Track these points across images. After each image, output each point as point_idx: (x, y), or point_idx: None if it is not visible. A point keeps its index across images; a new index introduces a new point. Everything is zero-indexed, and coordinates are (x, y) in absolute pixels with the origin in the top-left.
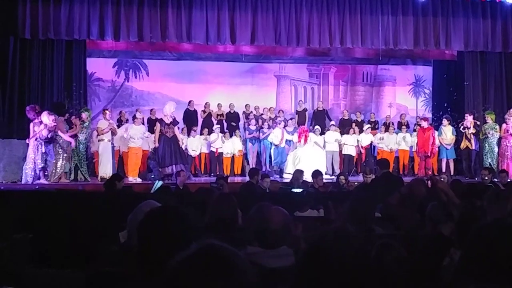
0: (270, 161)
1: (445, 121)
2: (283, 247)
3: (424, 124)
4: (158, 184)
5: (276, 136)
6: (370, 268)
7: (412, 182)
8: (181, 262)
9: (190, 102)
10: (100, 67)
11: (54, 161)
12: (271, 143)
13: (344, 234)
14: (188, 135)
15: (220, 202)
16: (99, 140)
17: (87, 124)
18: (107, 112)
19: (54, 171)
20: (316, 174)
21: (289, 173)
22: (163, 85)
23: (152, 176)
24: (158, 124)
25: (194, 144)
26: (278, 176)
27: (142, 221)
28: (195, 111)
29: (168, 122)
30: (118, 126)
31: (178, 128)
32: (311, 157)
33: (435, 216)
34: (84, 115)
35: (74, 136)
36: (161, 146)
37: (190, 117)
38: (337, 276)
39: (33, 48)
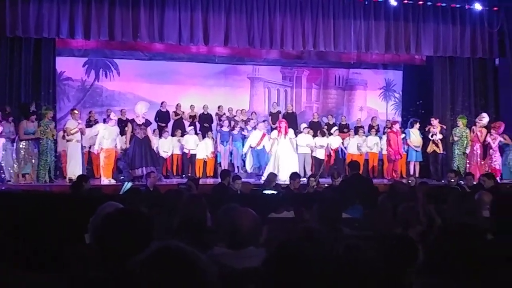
0: (244, 163)
1: (413, 124)
2: (250, 247)
3: (396, 127)
4: (128, 185)
5: (255, 137)
6: (337, 268)
7: (393, 182)
8: (140, 262)
9: (162, 103)
10: (70, 66)
11: (13, 163)
12: (242, 145)
13: (311, 234)
14: (160, 136)
15: (189, 203)
16: (67, 141)
17: (48, 123)
18: (76, 112)
19: (12, 171)
20: (294, 176)
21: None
22: (135, 85)
23: (122, 178)
24: (129, 125)
25: (166, 146)
26: (254, 179)
27: (99, 223)
28: (167, 112)
29: (140, 123)
30: (88, 127)
31: (150, 129)
32: (288, 156)
33: (404, 218)
34: (50, 114)
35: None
36: (131, 147)
37: (162, 118)
38: (303, 276)
39: (0, 46)
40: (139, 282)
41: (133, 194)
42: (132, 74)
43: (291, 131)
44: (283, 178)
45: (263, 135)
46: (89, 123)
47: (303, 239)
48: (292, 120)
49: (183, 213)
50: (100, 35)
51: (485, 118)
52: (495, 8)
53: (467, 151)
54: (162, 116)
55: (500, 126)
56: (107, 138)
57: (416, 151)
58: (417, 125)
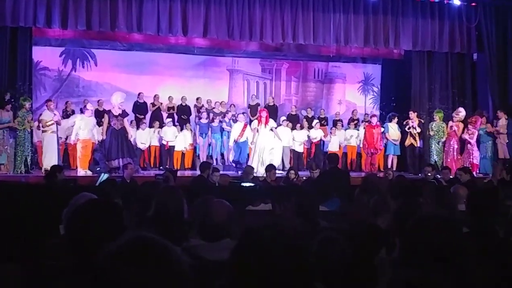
0: (222, 155)
1: (391, 119)
2: (225, 239)
3: (373, 121)
4: (104, 177)
5: (236, 130)
6: (307, 260)
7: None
8: (109, 253)
9: (139, 94)
10: (46, 56)
11: None
12: (221, 137)
13: (279, 226)
14: (138, 127)
15: (165, 195)
16: (43, 132)
17: (25, 114)
18: (51, 103)
19: None
20: (270, 168)
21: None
22: (112, 76)
23: (98, 169)
24: (106, 116)
25: (143, 137)
26: (233, 171)
27: (71, 214)
28: (144, 103)
29: (116, 114)
30: (64, 117)
31: (128, 120)
32: (271, 147)
33: (375, 208)
34: (28, 105)
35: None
36: (108, 138)
37: (139, 110)
38: (269, 269)
39: None
40: (108, 272)
41: (108, 185)
42: (110, 64)
43: (272, 121)
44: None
45: (245, 126)
46: (66, 114)
47: (269, 232)
48: (273, 113)
49: (159, 205)
50: (77, 24)
51: (461, 113)
52: (473, 4)
53: (444, 145)
54: (139, 107)
55: (477, 120)
56: (83, 129)
57: (395, 144)
58: (396, 119)
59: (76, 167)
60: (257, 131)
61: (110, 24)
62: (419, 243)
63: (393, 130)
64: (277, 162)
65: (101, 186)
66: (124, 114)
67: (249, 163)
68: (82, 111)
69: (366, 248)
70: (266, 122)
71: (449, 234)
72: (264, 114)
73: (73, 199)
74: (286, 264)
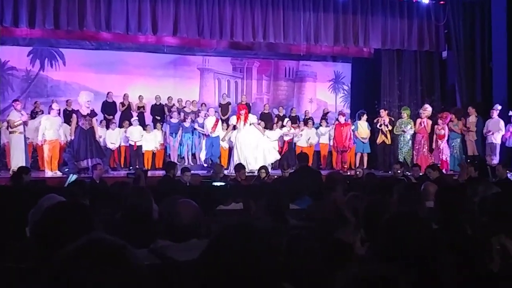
0: (194, 155)
1: (361, 116)
2: (193, 240)
3: (342, 119)
4: (72, 177)
5: (209, 124)
6: (276, 259)
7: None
8: (65, 255)
9: (108, 93)
10: (14, 56)
11: None
12: (192, 137)
13: (247, 226)
14: (107, 127)
15: (134, 195)
16: (10, 133)
17: None
18: (18, 103)
19: None
20: (239, 167)
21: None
22: (81, 75)
23: (66, 170)
24: (74, 116)
25: (113, 137)
26: (206, 171)
27: (38, 216)
28: (114, 103)
29: (85, 113)
30: (32, 117)
31: (97, 120)
32: (253, 143)
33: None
34: None
35: None
36: (76, 138)
37: (108, 109)
38: (238, 268)
39: None
40: (63, 274)
41: (76, 186)
42: (78, 64)
43: (252, 116)
44: (254, 167)
45: (216, 121)
46: (34, 114)
47: (238, 231)
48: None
49: (127, 205)
50: (45, 23)
51: (428, 109)
52: (442, 2)
53: (412, 142)
54: (108, 107)
55: (447, 116)
56: (49, 129)
57: (363, 142)
58: (365, 117)
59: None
60: (235, 128)
61: (79, 23)
62: (388, 240)
63: (362, 128)
64: (271, 158)
65: (69, 187)
66: (92, 114)
67: (235, 161)
68: (49, 112)
69: (333, 245)
70: (246, 119)
71: (417, 231)
72: (243, 111)
73: (39, 200)
74: (255, 263)
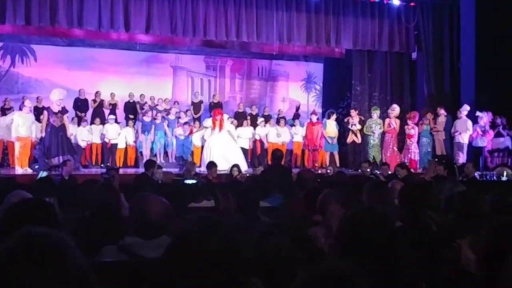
0: (166, 153)
1: (330, 116)
2: (162, 236)
3: (314, 118)
4: (43, 175)
5: (181, 131)
6: (242, 256)
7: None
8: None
9: (80, 90)
10: None
11: None
12: (165, 135)
13: (211, 222)
14: (79, 124)
15: (101, 193)
16: None
17: None
18: None
19: None
20: (211, 165)
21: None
22: (52, 72)
23: (37, 167)
24: (45, 113)
25: (84, 134)
26: (178, 169)
27: (2, 213)
28: (85, 100)
29: (56, 110)
30: (3, 114)
31: (68, 117)
32: (224, 146)
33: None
34: None
35: None
36: (47, 135)
37: (80, 106)
38: (202, 265)
39: None
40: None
41: (44, 183)
42: (50, 60)
43: (227, 123)
44: (224, 167)
45: (191, 131)
46: (4, 111)
47: (202, 228)
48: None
49: (95, 203)
50: (16, 19)
51: (396, 109)
52: (412, 4)
53: (382, 141)
54: (80, 104)
55: (415, 115)
56: (21, 126)
57: (329, 142)
58: (334, 116)
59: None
60: (212, 133)
61: (50, 19)
62: (350, 237)
63: (330, 127)
64: (242, 163)
65: (37, 184)
66: (64, 111)
67: (206, 160)
68: (20, 108)
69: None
70: (221, 126)
71: (376, 227)
72: (219, 117)
73: (6, 197)
74: (220, 259)
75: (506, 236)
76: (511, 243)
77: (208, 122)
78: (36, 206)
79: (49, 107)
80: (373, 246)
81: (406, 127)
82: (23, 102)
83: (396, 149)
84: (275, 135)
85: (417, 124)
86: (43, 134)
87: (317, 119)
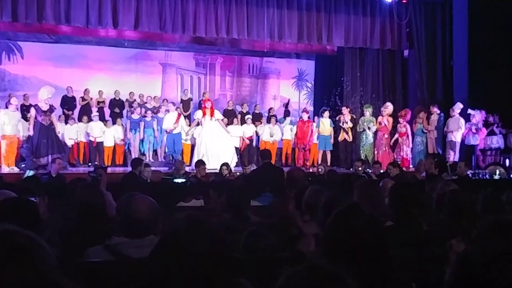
0: (156, 151)
1: (323, 114)
2: (150, 236)
3: (305, 116)
4: (30, 174)
5: (169, 120)
6: (229, 255)
7: (291, 168)
8: None
9: (68, 88)
10: None
11: None
12: (153, 131)
13: (199, 222)
14: (66, 122)
15: (86, 192)
16: None
17: None
18: None
19: None
20: (199, 163)
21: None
22: (39, 69)
23: (23, 166)
24: (32, 110)
25: (72, 133)
26: (167, 167)
27: None
28: (73, 98)
29: (44, 109)
30: None
31: (56, 115)
32: (217, 140)
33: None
34: None
35: None
36: (36, 134)
37: (68, 104)
38: (189, 265)
39: None
40: None
41: (30, 182)
42: (37, 57)
43: (217, 112)
44: (214, 165)
45: (178, 116)
46: None
47: (188, 228)
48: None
49: (80, 202)
50: (2, 15)
51: (389, 107)
52: (404, 1)
53: (374, 139)
54: (68, 102)
55: (407, 113)
56: (7, 124)
57: (325, 140)
58: (327, 114)
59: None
60: (201, 123)
61: (37, 15)
62: (336, 237)
63: (323, 125)
64: (229, 158)
65: (23, 183)
66: (51, 109)
67: (196, 157)
68: (6, 106)
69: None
70: (212, 114)
71: (365, 227)
72: (209, 104)
73: None
74: (206, 259)
75: (496, 235)
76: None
77: (199, 114)
78: (18, 206)
79: (36, 104)
80: (360, 245)
81: (398, 125)
82: (9, 100)
83: (388, 148)
84: (268, 134)
85: (409, 123)
86: (31, 133)
87: (308, 117)
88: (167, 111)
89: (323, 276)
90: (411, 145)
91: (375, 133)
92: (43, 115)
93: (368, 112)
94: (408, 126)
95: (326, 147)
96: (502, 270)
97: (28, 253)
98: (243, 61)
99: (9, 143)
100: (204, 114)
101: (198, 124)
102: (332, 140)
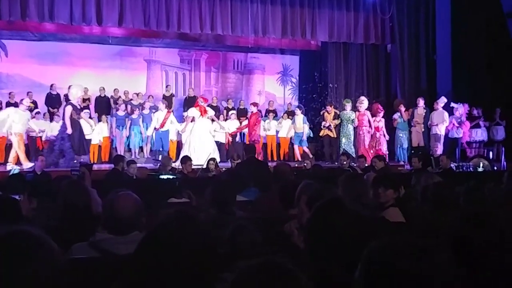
0: (141, 148)
1: (297, 111)
2: (134, 232)
3: (254, 109)
4: (15, 171)
5: (157, 118)
6: (215, 251)
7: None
8: None
9: (52, 85)
10: None
11: None
12: (140, 130)
13: (185, 217)
14: (51, 120)
15: (70, 189)
16: None
17: None
18: None
19: None
20: (185, 159)
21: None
22: (24, 67)
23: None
24: (69, 108)
25: (56, 130)
26: (153, 164)
27: None
28: (58, 95)
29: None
30: None
31: (40, 113)
32: (204, 138)
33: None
34: None
35: None
36: (76, 132)
37: (52, 102)
38: (173, 260)
39: None
40: None
41: (14, 179)
42: (21, 55)
43: (209, 109)
44: (201, 161)
45: (168, 113)
46: None
47: (175, 223)
48: (192, 104)
49: (64, 200)
50: None
51: (364, 101)
52: None
53: (354, 134)
54: (52, 100)
55: (378, 107)
56: (17, 123)
57: (299, 137)
58: (299, 111)
59: None
60: (193, 120)
61: (21, 13)
62: (319, 231)
63: (298, 122)
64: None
65: (8, 181)
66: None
67: (184, 153)
68: (17, 105)
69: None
70: (205, 112)
71: (346, 220)
72: (205, 104)
73: None
74: (191, 255)
75: (473, 226)
76: (479, 234)
77: (195, 112)
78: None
79: (71, 103)
80: (342, 239)
81: (374, 119)
82: (21, 100)
83: (367, 142)
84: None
85: (384, 117)
86: (69, 131)
87: (259, 110)
88: (152, 108)
89: (275, 271)
90: (387, 138)
91: (356, 127)
92: (79, 113)
93: (348, 106)
94: (383, 120)
95: (302, 144)
96: (413, 264)
97: (38, 253)
98: (228, 57)
99: (20, 140)
100: (202, 113)
101: (192, 120)
102: (304, 137)
